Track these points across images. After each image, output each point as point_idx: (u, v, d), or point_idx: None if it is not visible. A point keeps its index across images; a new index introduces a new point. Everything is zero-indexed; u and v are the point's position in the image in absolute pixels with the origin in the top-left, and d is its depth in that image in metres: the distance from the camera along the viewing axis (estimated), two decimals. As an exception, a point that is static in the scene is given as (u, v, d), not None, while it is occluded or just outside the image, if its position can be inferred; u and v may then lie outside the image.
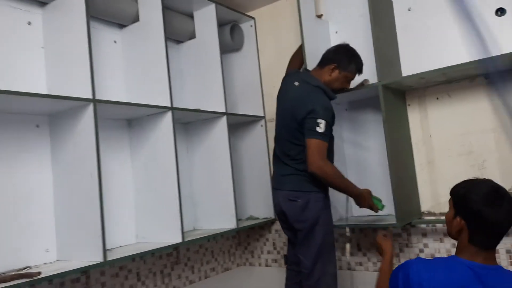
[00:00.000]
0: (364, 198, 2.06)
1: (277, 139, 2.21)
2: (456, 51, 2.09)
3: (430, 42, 2.25)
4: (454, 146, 2.20)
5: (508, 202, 1.24)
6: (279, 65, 2.58)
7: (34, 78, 1.91)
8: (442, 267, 1.27)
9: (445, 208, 2.17)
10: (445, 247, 2.22)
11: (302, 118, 1.99)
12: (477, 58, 1.89)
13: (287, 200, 2.07)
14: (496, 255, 2.03)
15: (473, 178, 1.36)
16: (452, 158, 2.21)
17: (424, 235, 2.29)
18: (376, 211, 2.09)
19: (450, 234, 1.36)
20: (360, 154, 2.50)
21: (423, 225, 2.28)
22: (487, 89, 2.11)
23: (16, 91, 1.58)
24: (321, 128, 1.94)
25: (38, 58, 1.94)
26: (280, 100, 2.23)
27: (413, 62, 2.28)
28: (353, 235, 2.49)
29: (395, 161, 2.11)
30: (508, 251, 2.07)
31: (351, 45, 2.18)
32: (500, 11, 2.03)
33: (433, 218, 2.24)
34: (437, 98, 2.26)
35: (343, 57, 2.09)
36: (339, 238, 2.49)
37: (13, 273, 1.62)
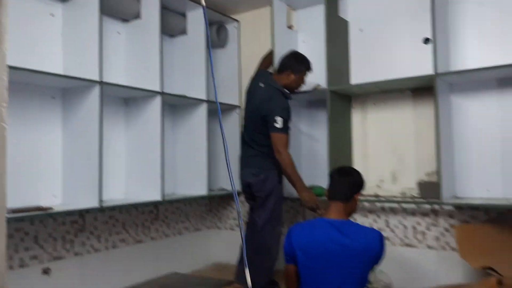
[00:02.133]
0: (311, 198, 2.51)
1: (245, 127, 2.76)
2: (395, 67, 2.63)
3: (375, 59, 2.78)
4: (383, 144, 2.77)
5: (338, 176, 1.98)
6: (255, 64, 3.10)
7: (53, 60, 2.41)
8: (308, 225, 1.89)
9: (373, 191, 2.77)
10: (367, 221, 2.79)
11: (265, 116, 2.55)
12: (407, 76, 2.45)
13: (252, 175, 2.65)
14: (404, 230, 2.64)
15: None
16: (381, 153, 2.77)
17: (354, 211, 2.87)
18: (319, 215, 2.44)
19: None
20: (313, 145, 3.05)
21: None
22: (412, 100, 2.67)
23: (38, 70, 2.06)
24: (279, 124, 2.50)
25: (57, 43, 2.43)
26: (248, 96, 2.77)
27: (361, 73, 2.82)
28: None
29: (335, 153, 2.66)
30: (413, 227, 2.64)
31: (315, 52, 2.78)
32: (426, 40, 2.56)
33: (361, 197, 2.81)
34: (374, 104, 2.81)
35: (295, 63, 2.63)
36: (290, 209, 3.06)
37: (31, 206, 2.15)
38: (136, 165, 2.74)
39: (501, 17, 2.37)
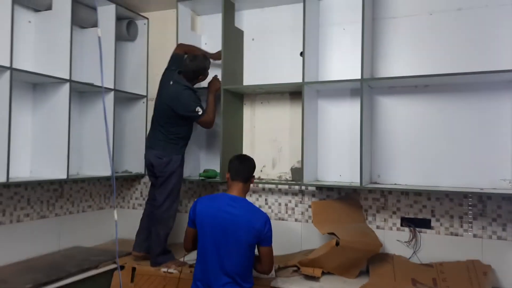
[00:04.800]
0: (214, 85, 3.13)
1: (155, 111, 3.12)
2: (278, 73, 3.20)
3: (263, 65, 3.32)
4: (267, 135, 3.32)
5: (247, 158, 2.49)
6: (162, 58, 3.45)
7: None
8: (212, 197, 2.37)
9: (257, 175, 3.28)
10: (251, 199, 3.33)
11: (183, 112, 2.96)
12: (285, 82, 3.02)
13: (156, 157, 3.04)
14: (278, 206, 3.20)
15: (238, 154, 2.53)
16: (264, 143, 3.33)
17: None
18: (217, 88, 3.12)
19: (227, 182, 2.45)
20: (210, 134, 3.51)
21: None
22: (290, 101, 3.26)
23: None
24: (200, 111, 2.97)
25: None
26: (160, 90, 3.13)
27: (252, 76, 3.34)
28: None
29: (228, 142, 3.15)
30: (286, 204, 3.25)
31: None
32: (301, 53, 3.15)
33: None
34: (261, 103, 3.36)
35: (197, 74, 3.07)
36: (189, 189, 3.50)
37: None
38: (43, 146, 2.95)
39: (357, 39, 2.99)
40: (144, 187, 3.74)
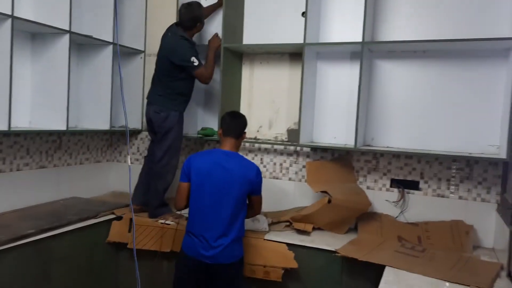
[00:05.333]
0: (215, 42, 3.15)
1: (156, 68, 3.15)
2: (279, 33, 3.20)
3: (264, 24, 3.31)
4: (264, 96, 3.37)
5: (239, 115, 2.56)
6: (161, 14, 3.42)
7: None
8: (206, 153, 2.45)
9: (254, 135, 3.35)
10: (248, 158, 3.41)
11: (179, 62, 2.97)
12: (285, 42, 3.03)
13: (154, 112, 3.08)
14: (273, 166, 3.29)
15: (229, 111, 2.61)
16: (262, 103, 3.38)
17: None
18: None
19: (220, 138, 2.53)
20: (208, 92, 3.54)
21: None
22: (289, 63, 3.28)
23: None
24: (196, 62, 2.98)
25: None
26: (161, 44, 3.13)
27: (252, 35, 3.34)
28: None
29: (226, 101, 3.19)
30: (281, 164, 3.34)
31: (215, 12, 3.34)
32: (303, 14, 3.14)
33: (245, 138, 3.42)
34: (261, 63, 3.38)
35: (193, 21, 3.06)
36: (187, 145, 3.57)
37: None
38: (42, 97, 2.96)
39: (359, 3, 2.97)
40: (141, 143, 3.79)
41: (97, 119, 3.33)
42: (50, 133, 3.16)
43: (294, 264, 2.60)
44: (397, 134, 2.93)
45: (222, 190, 2.39)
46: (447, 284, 2.03)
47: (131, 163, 3.84)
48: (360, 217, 2.91)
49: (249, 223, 2.76)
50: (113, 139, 3.87)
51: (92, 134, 3.61)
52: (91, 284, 2.90)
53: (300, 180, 3.26)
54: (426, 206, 2.85)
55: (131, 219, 3.03)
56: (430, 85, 2.83)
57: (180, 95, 3.10)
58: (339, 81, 3.11)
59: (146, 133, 3.67)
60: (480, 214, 2.72)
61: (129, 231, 3.03)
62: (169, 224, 2.93)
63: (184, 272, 2.45)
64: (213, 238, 2.36)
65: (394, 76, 2.93)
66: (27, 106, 2.97)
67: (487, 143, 2.66)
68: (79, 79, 3.36)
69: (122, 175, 3.82)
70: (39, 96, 2.97)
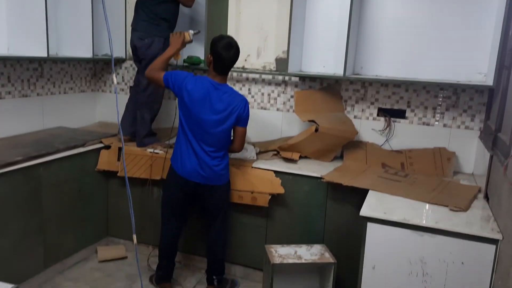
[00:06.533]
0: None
1: None
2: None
3: None
4: (252, 23, 3.25)
5: (234, 50, 2.39)
6: None
7: None
8: (198, 79, 2.39)
9: (241, 64, 3.28)
10: (235, 88, 3.38)
11: None
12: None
13: (138, 39, 2.97)
14: (261, 96, 3.26)
15: (223, 34, 2.44)
16: (250, 31, 3.27)
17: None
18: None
19: (208, 65, 2.45)
20: (198, 18, 3.39)
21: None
22: (279, -12, 3.14)
23: None
24: None
25: None
26: None
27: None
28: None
29: (211, 29, 3.06)
30: (269, 94, 3.32)
31: None
32: None
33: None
34: (248, -12, 3.22)
35: None
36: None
37: None
38: (19, 22, 2.81)
39: None
40: (125, 72, 3.69)
41: (78, 47, 3.20)
42: (31, 60, 3.05)
43: (281, 190, 2.68)
44: (386, 63, 2.89)
45: (208, 116, 2.39)
46: (427, 205, 2.13)
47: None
48: (346, 145, 2.96)
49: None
50: (97, 69, 3.76)
51: (74, 63, 3.49)
52: (82, 210, 2.97)
53: (288, 111, 3.26)
54: (411, 134, 2.91)
55: (119, 148, 3.04)
56: (420, 12, 2.76)
57: (164, 21, 2.98)
58: (329, 8, 2.99)
59: (131, 62, 3.58)
60: (463, 142, 2.79)
61: (118, 159, 3.06)
62: (158, 153, 2.95)
63: (173, 191, 2.56)
64: (201, 163, 2.43)
65: (384, 3, 2.84)
66: (4, 32, 2.83)
67: (475, 71, 2.65)
68: (56, 3, 3.18)
69: (108, 105, 3.77)
70: (15, 21, 2.82)
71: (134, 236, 1.61)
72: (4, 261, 2.39)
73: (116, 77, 3.38)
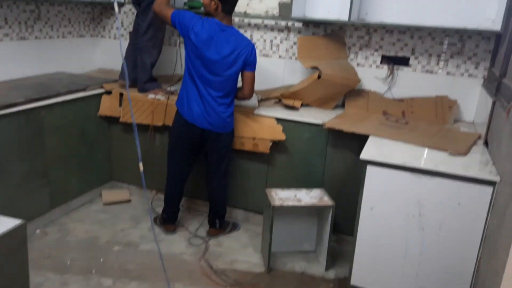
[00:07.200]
0: None
1: None
2: None
3: None
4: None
5: None
6: None
7: None
8: (205, 21, 2.36)
9: (243, 9, 3.17)
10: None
11: None
12: None
13: None
14: (263, 43, 3.20)
15: None
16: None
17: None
18: None
19: (209, 12, 2.40)
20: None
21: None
22: None
23: None
24: None
25: None
26: None
27: None
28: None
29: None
30: (271, 41, 3.26)
31: None
32: None
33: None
34: None
35: None
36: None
37: None
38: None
39: None
40: (124, 17, 3.60)
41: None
42: (27, 1, 2.97)
43: (282, 136, 2.70)
44: (391, 9, 2.81)
45: (217, 61, 2.38)
46: (427, 149, 2.15)
47: (116, 38, 3.70)
48: (348, 93, 2.95)
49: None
50: (95, 13, 3.66)
51: (72, 6, 3.39)
52: (85, 154, 3.00)
53: (290, 58, 3.21)
54: (413, 82, 2.88)
55: (121, 94, 3.03)
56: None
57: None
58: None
59: (130, 6, 3.48)
60: (465, 89, 2.78)
61: (120, 105, 3.05)
62: (159, 99, 2.94)
63: (181, 137, 2.59)
64: (208, 109, 2.45)
65: None
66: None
67: (483, 17, 2.59)
68: None
69: (107, 51, 3.71)
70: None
71: (141, 164, 1.66)
72: (10, 201, 2.44)
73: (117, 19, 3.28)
